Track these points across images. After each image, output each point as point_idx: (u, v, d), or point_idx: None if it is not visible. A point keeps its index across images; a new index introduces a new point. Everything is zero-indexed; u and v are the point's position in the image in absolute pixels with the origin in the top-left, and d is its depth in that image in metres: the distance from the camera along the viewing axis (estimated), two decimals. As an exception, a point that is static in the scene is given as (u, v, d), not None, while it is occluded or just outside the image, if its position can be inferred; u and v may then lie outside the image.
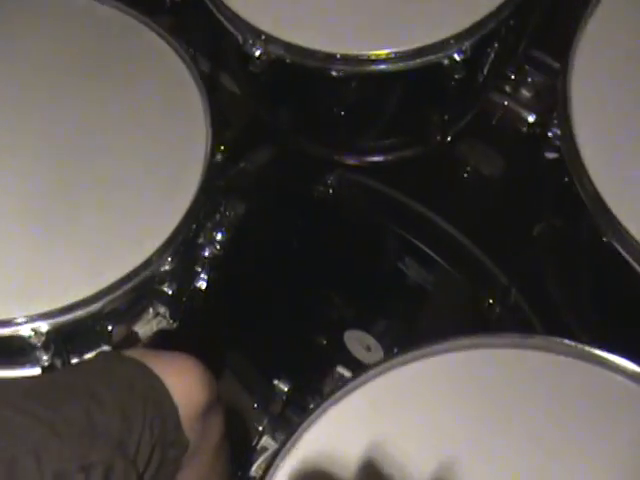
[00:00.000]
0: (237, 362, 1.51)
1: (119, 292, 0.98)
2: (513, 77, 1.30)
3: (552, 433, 0.86)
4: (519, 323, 1.24)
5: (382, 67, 1.05)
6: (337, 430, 0.87)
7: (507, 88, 1.31)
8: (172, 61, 1.14)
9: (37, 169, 1.06)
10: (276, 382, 1.27)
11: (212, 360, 1.52)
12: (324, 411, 0.87)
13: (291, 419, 1.30)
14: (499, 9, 1.06)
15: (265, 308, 1.42)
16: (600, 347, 0.89)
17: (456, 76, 1.03)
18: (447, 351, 0.91)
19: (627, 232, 0.90)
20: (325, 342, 1.41)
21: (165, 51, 1.15)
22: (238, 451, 1.30)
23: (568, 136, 0.96)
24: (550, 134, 1.00)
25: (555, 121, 1.00)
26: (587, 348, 0.89)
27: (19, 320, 0.95)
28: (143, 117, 1.10)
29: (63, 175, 1.06)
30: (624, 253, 0.91)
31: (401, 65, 1.04)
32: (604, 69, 1.02)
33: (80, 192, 1.05)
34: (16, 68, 1.14)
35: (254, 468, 1.26)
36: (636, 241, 0.90)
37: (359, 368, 1.04)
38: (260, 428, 1.31)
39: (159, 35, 1.15)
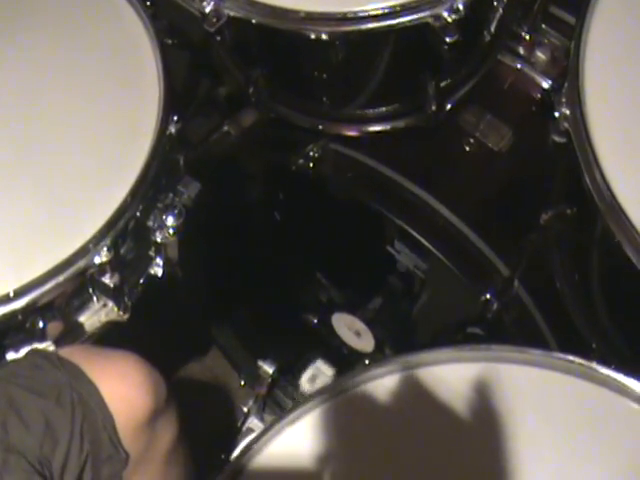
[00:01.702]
0: (224, 339, 1.48)
1: (47, 287, 0.89)
2: (528, 37, 1.18)
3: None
4: (520, 321, 1.10)
5: (359, 27, 0.92)
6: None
7: (520, 50, 1.20)
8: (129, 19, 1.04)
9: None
10: (261, 363, 1.25)
11: (196, 337, 1.46)
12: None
13: (278, 399, 1.29)
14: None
15: (250, 286, 1.38)
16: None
17: (447, 39, 0.87)
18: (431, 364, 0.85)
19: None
20: (313, 324, 1.36)
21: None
22: (222, 432, 1.29)
23: (578, 120, 0.82)
24: (557, 114, 0.83)
25: (564, 99, 0.83)
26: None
27: None
28: (89, 82, 1.01)
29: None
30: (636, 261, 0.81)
31: (381, 25, 0.91)
32: (629, 34, 0.89)
33: (9, 166, 0.96)
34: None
35: (238, 450, 1.21)
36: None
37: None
38: (245, 409, 1.27)
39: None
